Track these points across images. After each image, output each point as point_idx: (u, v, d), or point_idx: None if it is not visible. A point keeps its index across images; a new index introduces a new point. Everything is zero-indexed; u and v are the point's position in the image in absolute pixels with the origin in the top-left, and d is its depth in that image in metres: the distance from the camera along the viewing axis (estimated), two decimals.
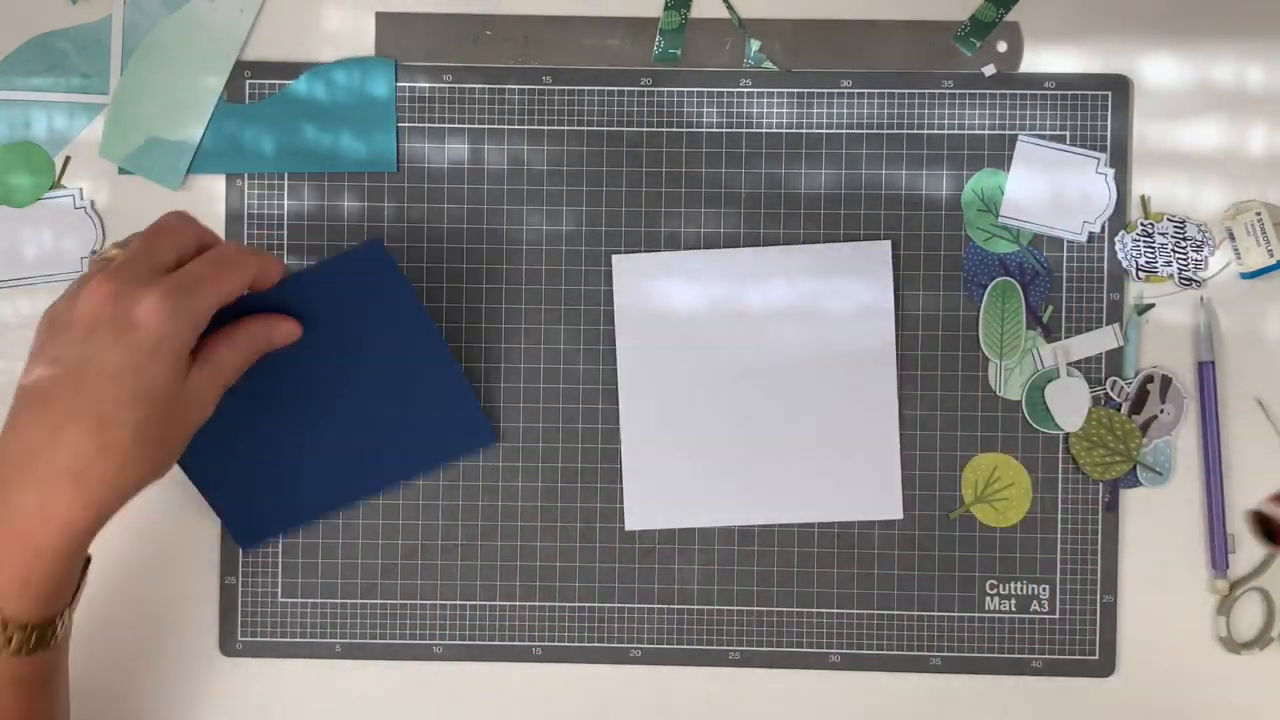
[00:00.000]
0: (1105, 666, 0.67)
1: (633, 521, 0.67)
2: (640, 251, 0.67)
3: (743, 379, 0.67)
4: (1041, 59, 0.67)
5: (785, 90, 0.67)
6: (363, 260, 0.61)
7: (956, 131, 0.67)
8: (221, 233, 0.68)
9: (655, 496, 0.67)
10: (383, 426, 0.66)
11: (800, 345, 0.67)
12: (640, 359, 0.67)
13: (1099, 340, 0.67)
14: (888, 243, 0.67)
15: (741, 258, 0.67)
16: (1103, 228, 0.67)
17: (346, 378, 0.64)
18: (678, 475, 0.67)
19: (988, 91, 0.67)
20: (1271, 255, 0.67)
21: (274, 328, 0.59)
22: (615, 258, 0.67)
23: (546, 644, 0.68)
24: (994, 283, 0.67)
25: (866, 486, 0.67)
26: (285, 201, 0.68)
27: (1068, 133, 0.67)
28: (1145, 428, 0.67)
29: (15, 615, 0.52)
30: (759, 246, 0.67)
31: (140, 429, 0.52)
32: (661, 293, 0.67)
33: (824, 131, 0.67)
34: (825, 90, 0.67)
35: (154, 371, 0.52)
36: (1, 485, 0.51)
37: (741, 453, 0.67)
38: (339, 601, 0.68)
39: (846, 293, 0.67)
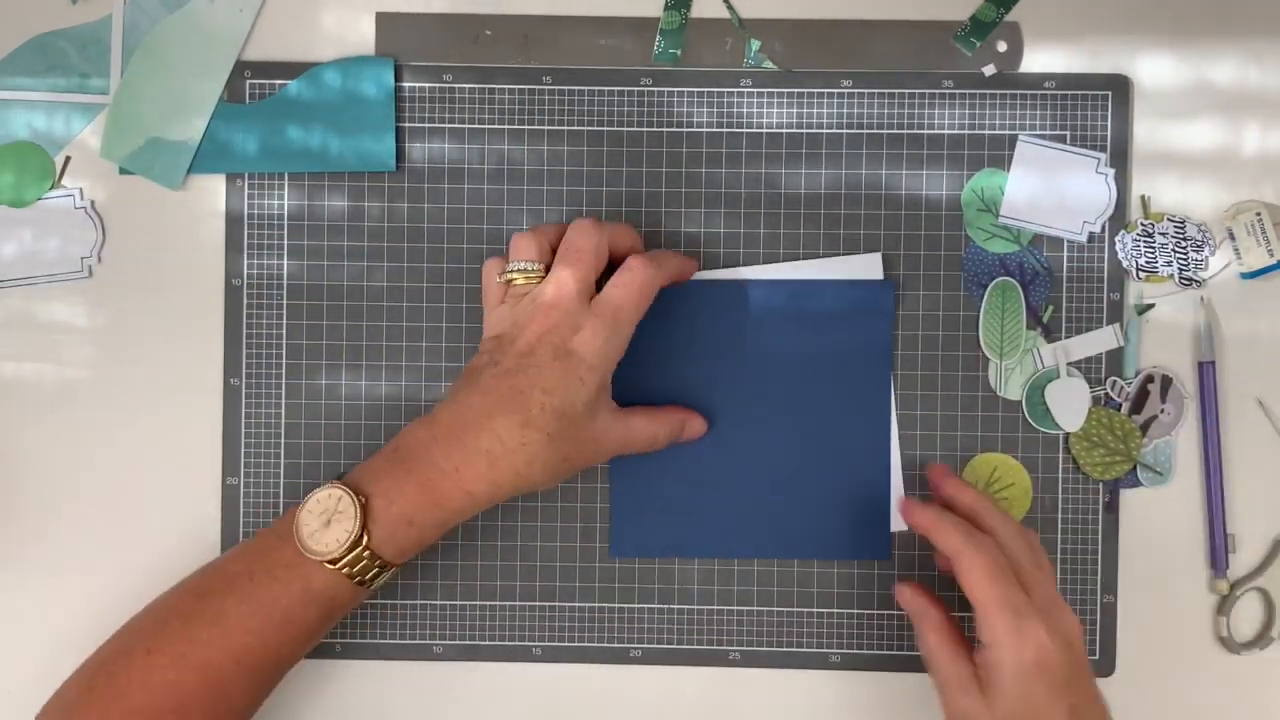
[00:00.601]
0: (1105, 666, 0.67)
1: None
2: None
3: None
4: (1041, 59, 0.67)
5: (785, 90, 0.67)
6: (869, 293, 0.64)
7: (956, 131, 0.67)
8: (221, 233, 0.68)
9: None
10: (800, 496, 0.67)
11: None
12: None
13: (1099, 340, 0.67)
14: (878, 255, 0.67)
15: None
16: (1103, 228, 0.67)
17: (790, 419, 0.66)
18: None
19: (988, 91, 0.67)
20: (1272, 255, 0.67)
21: (688, 423, 0.65)
22: None
23: (546, 644, 0.68)
24: (994, 283, 0.67)
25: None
26: (285, 201, 0.68)
27: (1068, 133, 0.67)
28: (1145, 428, 0.67)
29: (380, 546, 0.58)
30: (757, 265, 0.67)
31: (553, 438, 0.59)
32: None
33: (824, 131, 0.67)
34: (825, 90, 0.67)
35: (579, 393, 0.59)
36: (431, 441, 0.59)
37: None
38: None
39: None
